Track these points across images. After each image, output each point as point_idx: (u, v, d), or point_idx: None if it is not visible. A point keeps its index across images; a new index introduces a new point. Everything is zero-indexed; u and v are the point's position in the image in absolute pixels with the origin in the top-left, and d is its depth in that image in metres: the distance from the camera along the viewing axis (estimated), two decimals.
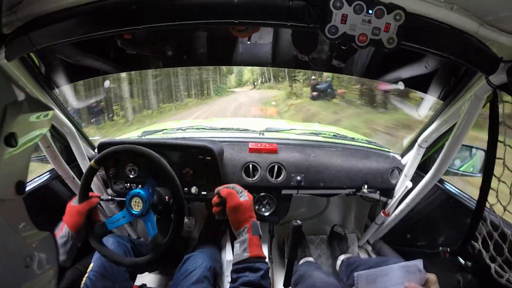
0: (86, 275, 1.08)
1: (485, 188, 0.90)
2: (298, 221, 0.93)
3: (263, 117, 10.35)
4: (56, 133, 1.33)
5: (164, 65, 1.63)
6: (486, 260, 0.94)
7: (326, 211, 1.99)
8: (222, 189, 0.89)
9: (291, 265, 1.00)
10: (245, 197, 0.87)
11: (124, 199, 1.02)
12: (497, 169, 0.88)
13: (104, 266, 1.10)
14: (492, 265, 0.92)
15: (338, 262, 1.67)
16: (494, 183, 0.89)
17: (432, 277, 0.80)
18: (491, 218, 0.96)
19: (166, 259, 1.62)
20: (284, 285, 1.02)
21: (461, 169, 1.43)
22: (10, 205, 0.42)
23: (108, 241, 1.20)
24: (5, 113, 0.38)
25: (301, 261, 1.66)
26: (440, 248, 1.11)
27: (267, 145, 1.51)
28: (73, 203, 1.02)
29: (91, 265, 1.11)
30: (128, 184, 1.43)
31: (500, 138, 0.86)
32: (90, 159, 1.39)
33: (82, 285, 1.05)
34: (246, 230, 0.81)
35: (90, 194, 1.06)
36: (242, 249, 0.79)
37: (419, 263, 0.82)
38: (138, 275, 1.47)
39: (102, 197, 1.26)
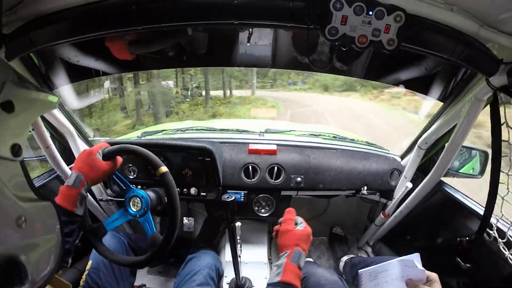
0: (86, 272, 1.07)
1: (494, 183, 0.93)
2: None
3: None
4: (56, 133, 1.33)
5: (164, 65, 1.62)
6: (500, 247, 0.97)
7: (326, 212, 1.98)
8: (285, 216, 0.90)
9: None
10: (301, 227, 0.87)
11: (123, 199, 1.02)
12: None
13: (103, 262, 1.09)
14: (507, 253, 0.95)
15: (341, 264, 1.67)
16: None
17: (434, 275, 0.81)
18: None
19: (164, 258, 1.61)
20: None
21: (461, 170, 1.42)
22: (3, 164, 0.43)
23: (105, 238, 1.19)
24: (3, 86, 0.41)
25: None
26: (458, 239, 1.12)
27: (266, 147, 1.51)
28: (97, 156, 0.88)
29: (90, 262, 1.10)
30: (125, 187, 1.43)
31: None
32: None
33: (82, 283, 1.04)
34: (286, 255, 0.81)
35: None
36: (276, 272, 0.79)
37: (416, 257, 0.83)
38: (138, 275, 1.47)
39: (101, 197, 1.25)
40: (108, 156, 0.92)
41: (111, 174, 0.96)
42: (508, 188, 0.92)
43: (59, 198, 0.81)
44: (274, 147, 1.51)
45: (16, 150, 0.45)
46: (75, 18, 0.74)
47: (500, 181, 0.93)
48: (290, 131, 1.80)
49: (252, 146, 1.50)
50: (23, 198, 0.46)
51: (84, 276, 1.06)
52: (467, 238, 1.11)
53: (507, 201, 0.95)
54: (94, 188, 1.44)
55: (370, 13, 0.67)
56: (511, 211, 0.98)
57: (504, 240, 0.97)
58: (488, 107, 0.92)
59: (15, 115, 0.43)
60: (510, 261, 0.94)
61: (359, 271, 0.92)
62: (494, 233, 1.01)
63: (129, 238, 1.27)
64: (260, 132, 1.73)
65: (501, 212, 0.98)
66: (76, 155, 1.38)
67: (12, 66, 0.48)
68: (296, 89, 11.62)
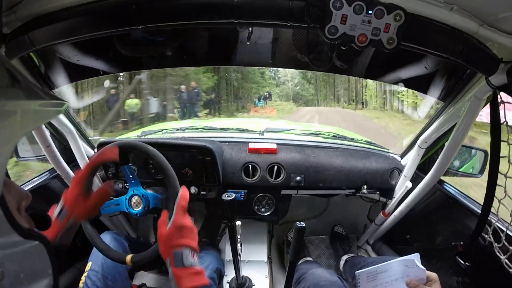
0: (85, 274, 1.07)
1: (492, 184, 0.92)
2: (302, 222, 0.92)
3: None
4: (56, 132, 1.33)
5: (163, 65, 1.62)
6: (495, 252, 0.95)
7: (326, 211, 1.99)
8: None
9: (293, 267, 0.99)
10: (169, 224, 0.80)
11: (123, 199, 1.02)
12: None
13: (103, 265, 1.09)
14: (502, 257, 0.94)
15: (341, 262, 1.67)
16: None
17: (433, 275, 0.81)
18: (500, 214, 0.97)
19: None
20: (285, 287, 1.01)
21: (460, 169, 1.42)
22: None
23: (106, 238, 1.18)
24: None
25: (301, 261, 1.66)
26: (452, 243, 1.12)
27: (266, 146, 1.51)
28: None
29: (90, 264, 1.10)
30: (128, 184, 1.43)
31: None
32: (89, 159, 1.38)
33: (81, 284, 1.04)
34: (169, 264, 0.74)
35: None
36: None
37: (416, 257, 0.83)
38: (139, 274, 1.47)
39: None
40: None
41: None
42: (505, 191, 0.90)
43: None
44: (274, 146, 1.51)
45: None
46: (75, 18, 0.74)
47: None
48: (290, 130, 1.81)
49: (252, 145, 1.50)
50: (3, 245, 0.36)
51: (83, 278, 1.06)
52: (462, 243, 1.10)
53: (503, 204, 0.93)
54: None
55: (370, 12, 0.67)
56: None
57: (500, 245, 0.95)
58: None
59: None
60: (505, 266, 0.93)
61: (356, 272, 0.91)
62: (489, 237, 0.99)
63: (129, 241, 1.27)
64: (260, 131, 1.73)
65: (496, 215, 0.97)
66: (76, 154, 1.38)
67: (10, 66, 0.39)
68: None
